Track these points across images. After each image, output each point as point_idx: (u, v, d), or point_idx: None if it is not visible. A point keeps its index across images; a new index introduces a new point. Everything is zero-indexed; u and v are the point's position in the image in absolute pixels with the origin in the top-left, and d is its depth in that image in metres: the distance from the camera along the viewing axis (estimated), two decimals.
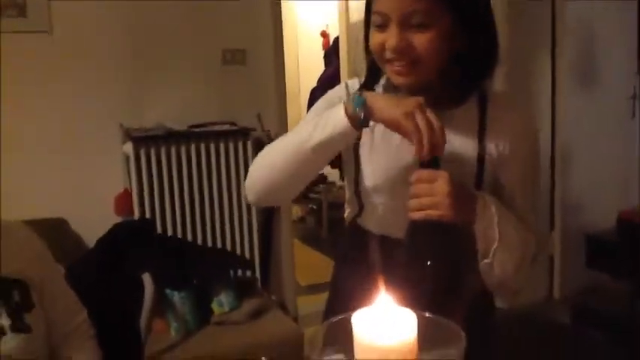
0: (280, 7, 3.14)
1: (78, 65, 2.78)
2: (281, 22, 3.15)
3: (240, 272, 2.75)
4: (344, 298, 1.02)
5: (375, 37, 1.03)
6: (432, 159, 0.96)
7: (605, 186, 3.31)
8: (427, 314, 0.64)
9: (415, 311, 0.63)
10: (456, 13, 1.00)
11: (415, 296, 0.88)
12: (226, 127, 2.91)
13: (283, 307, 3.03)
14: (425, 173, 0.96)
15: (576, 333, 2.78)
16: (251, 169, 1.14)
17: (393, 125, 0.97)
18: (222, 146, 2.85)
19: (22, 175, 2.69)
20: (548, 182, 3.40)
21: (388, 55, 1.02)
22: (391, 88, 1.12)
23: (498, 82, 3.42)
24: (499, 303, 1.23)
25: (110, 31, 2.81)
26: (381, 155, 1.13)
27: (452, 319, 0.83)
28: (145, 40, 2.88)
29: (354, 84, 1.19)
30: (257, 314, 2.39)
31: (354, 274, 1.11)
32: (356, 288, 0.97)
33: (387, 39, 1.01)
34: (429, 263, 0.97)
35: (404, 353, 0.61)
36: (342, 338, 0.68)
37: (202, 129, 2.86)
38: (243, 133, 2.89)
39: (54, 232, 2.61)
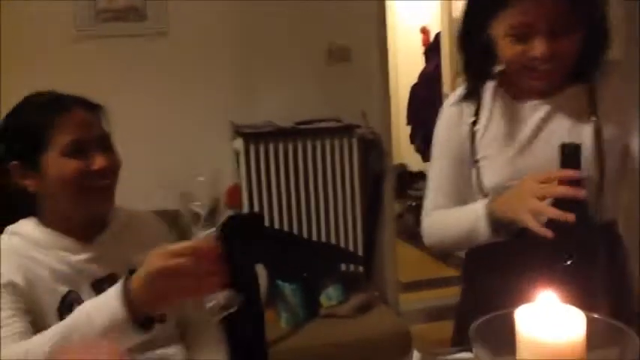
0: (385, 5, 3.13)
1: (191, 64, 2.91)
2: (385, 18, 3.14)
3: (345, 267, 2.77)
4: (483, 299, 1.02)
5: (514, 48, 1.04)
6: (574, 159, 0.94)
7: None
8: (594, 315, 0.63)
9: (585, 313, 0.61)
10: (587, 12, 1.02)
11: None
12: (332, 123, 2.95)
13: (385, 303, 3.03)
14: (570, 173, 0.94)
15: None
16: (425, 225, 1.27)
17: None
18: (327, 143, 2.89)
19: (136, 169, 2.83)
20: None
21: (537, 64, 1.03)
22: (502, 95, 1.15)
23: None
24: None
25: (221, 31, 2.92)
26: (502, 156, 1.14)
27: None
28: (255, 40, 2.97)
29: (458, 105, 1.21)
30: (364, 308, 2.41)
31: (492, 276, 1.11)
32: (495, 289, 0.96)
33: (533, 48, 1.02)
34: (569, 262, 0.95)
35: (573, 352, 0.60)
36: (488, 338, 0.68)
37: (308, 126, 2.91)
38: (348, 130, 2.91)
39: (169, 224, 2.75)
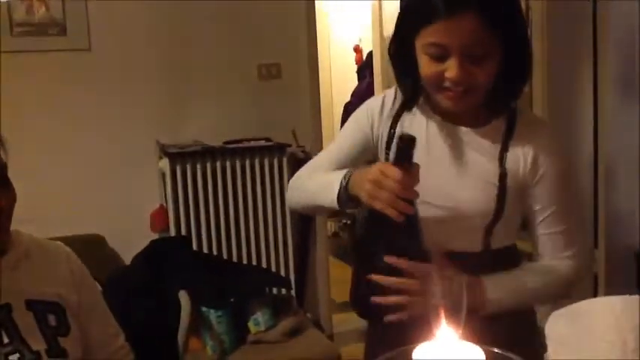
0: (315, 22, 3.12)
1: (115, 82, 2.79)
2: (316, 36, 3.13)
3: (276, 290, 2.71)
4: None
5: (431, 67, 1.04)
6: (406, 153, 0.98)
7: None
8: (496, 350, 0.59)
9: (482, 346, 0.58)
10: (507, 39, 1.03)
11: None
12: (262, 142, 2.89)
13: (318, 324, 2.97)
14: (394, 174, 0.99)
15: None
16: (289, 187, 1.30)
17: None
18: (257, 162, 2.83)
19: (58, 191, 2.70)
20: (590, 197, 3.29)
21: (448, 84, 1.04)
22: (428, 111, 1.15)
23: (538, 94, 3.29)
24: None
25: (147, 48, 2.83)
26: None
27: None
28: (182, 57, 2.89)
29: (389, 98, 1.20)
30: (293, 333, 2.35)
31: None
32: None
33: (447, 69, 1.02)
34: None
35: None
36: None
37: (237, 145, 2.84)
38: (278, 149, 2.87)
39: (91, 249, 2.61)
